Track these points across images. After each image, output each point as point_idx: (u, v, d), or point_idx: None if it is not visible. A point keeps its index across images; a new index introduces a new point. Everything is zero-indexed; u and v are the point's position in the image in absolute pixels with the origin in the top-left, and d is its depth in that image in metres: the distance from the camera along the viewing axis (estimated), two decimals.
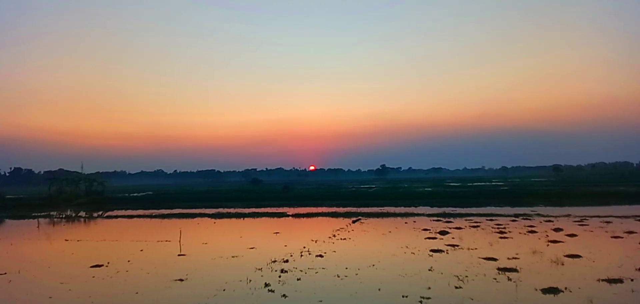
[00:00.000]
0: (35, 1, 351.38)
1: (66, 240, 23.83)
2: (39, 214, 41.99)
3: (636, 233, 20.92)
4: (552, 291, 11.05)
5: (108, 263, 16.37)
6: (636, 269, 13.10)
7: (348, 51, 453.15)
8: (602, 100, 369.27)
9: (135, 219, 36.09)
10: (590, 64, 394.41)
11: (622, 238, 19.69)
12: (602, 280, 11.99)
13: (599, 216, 28.16)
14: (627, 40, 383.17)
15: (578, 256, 15.40)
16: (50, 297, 11.87)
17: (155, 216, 37.37)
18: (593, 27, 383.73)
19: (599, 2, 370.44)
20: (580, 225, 24.38)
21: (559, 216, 28.91)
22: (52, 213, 43.12)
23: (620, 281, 11.87)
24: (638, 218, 26.74)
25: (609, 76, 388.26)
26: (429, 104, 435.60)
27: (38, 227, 31.39)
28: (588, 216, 28.35)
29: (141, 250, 19.50)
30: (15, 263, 17.09)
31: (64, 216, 41.13)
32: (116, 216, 38.47)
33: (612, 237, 19.97)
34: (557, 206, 36.65)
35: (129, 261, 16.81)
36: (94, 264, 16.15)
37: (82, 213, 43.64)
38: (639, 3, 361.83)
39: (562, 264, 14.19)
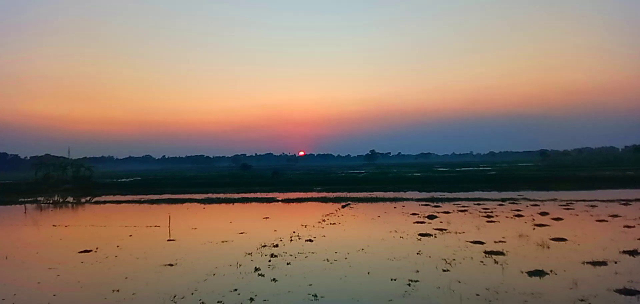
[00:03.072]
0: None
1: (54, 226, 23.64)
2: (25, 199, 41.58)
3: (620, 216, 21.29)
4: (538, 273, 11.24)
5: (97, 248, 16.30)
6: (620, 252, 13.36)
7: (338, 36, 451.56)
8: (589, 86, 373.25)
9: (123, 204, 35.88)
10: (578, 50, 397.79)
11: (607, 221, 20.03)
12: (587, 263, 12.22)
13: (584, 200, 28.60)
14: (615, 27, 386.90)
15: (563, 239, 15.65)
16: (38, 282, 11.81)
17: (144, 202, 37.18)
18: (581, 14, 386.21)
19: None
20: (565, 209, 24.75)
21: (545, 200, 29.30)
22: (39, 199, 42.70)
23: (604, 263, 12.10)
24: (623, 202, 27.20)
25: (596, 62, 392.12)
26: (418, 89, 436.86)
27: (25, 212, 31.07)
28: (574, 200, 28.77)
29: (130, 235, 19.43)
30: (3, 248, 16.95)
31: (51, 201, 40.76)
32: (104, 202, 38.21)
33: (597, 220, 20.31)
34: (544, 191, 37.13)
35: (117, 246, 16.75)
36: (83, 249, 16.07)
37: (70, 199, 43.27)
38: None
39: (548, 248, 14.42)
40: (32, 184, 57.29)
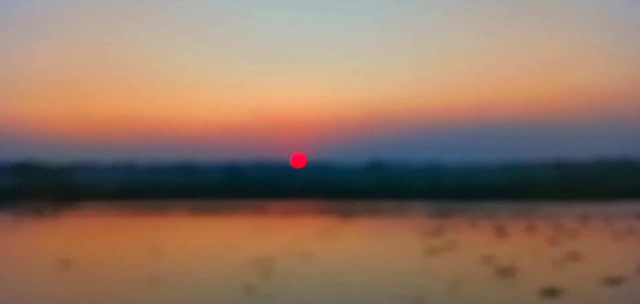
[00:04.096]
0: None
1: (32, 236, 23.50)
2: (3, 206, 41.37)
3: (639, 231, 21.20)
4: (552, 292, 11.12)
5: (77, 261, 16.15)
6: (638, 269, 13.26)
7: (338, 35, 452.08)
8: (606, 93, 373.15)
9: (107, 213, 35.73)
10: (596, 52, 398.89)
11: (625, 236, 19.94)
12: (603, 280, 12.12)
13: (600, 214, 28.52)
14: (634, 30, 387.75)
15: (579, 256, 15.55)
16: (13, 296, 11.67)
17: (129, 211, 37.05)
18: (599, 12, 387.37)
19: None
20: (581, 222, 24.67)
21: (559, 213, 29.23)
22: (18, 206, 42.50)
23: (621, 281, 12.00)
24: None
25: (615, 65, 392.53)
26: (426, 93, 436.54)
27: (2, 221, 30.92)
28: (589, 213, 28.70)
29: (114, 246, 19.29)
30: None
31: (31, 209, 40.58)
32: (87, 211, 38.05)
33: (614, 235, 20.22)
34: (558, 203, 37.04)
35: (100, 257, 16.61)
36: (63, 259, 15.92)
37: (51, 206, 43.10)
38: None
39: (562, 264, 14.31)
40: (12, 191, 57.04)
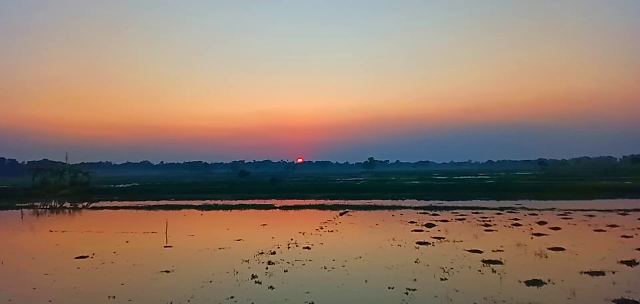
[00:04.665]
0: None
1: (50, 231, 23.57)
2: (22, 204, 41.41)
3: (618, 226, 21.28)
4: (536, 283, 11.21)
5: (93, 254, 16.23)
6: (618, 262, 13.34)
7: (337, 44, 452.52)
8: (587, 95, 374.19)
9: (120, 210, 35.78)
10: (576, 59, 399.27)
11: (605, 231, 20.02)
12: (585, 272, 12.20)
13: (582, 210, 28.59)
14: (613, 36, 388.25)
15: (561, 249, 15.63)
16: (34, 288, 11.74)
17: (141, 208, 37.09)
18: (579, 23, 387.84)
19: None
20: (564, 218, 24.75)
21: (543, 210, 29.30)
22: (36, 204, 42.57)
23: (602, 273, 12.09)
24: (621, 212, 27.20)
25: (594, 71, 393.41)
26: (417, 97, 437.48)
27: (21, 217, 30.97)
28: (572, 210, 28.77)
29: (127, 241, 19.36)
30: None
31: (48, 206, 40.63)
32: (101, 208, 38.09)
33: (595, 230, 20.30)
34: (542, 200, 37.12)
35: (114, 252, 16.69)
36: (79, 255, 16.00)
37: (67, 204, 43.15)
38: (625, 1, 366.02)
39: (546, 257, 14.40)
40: (29, 189, 57.07)
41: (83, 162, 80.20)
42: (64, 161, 70.51)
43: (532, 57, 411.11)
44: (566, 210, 28.72)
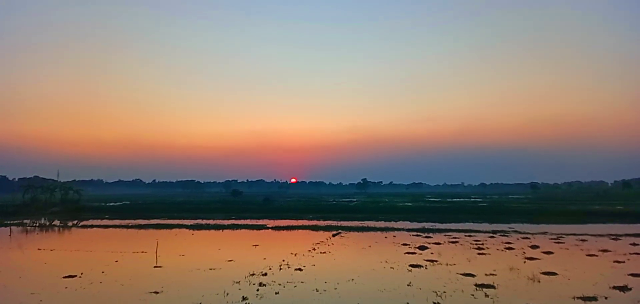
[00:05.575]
0: (13, 9, 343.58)
1: (39, 249, 23.23)
2: (11, 222, 40.84)
3: (611, 251, 21.31)
4: None
5: (81, 273, 15.98)
6: (610, 288, 13.31)
7: (331, 64, 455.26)
8: (579, 120, 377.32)
9: (111, 229, 35.37)
10: (568, 83, 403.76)
11: (597, 256, 20.03)
12: (578, 298, 12.15)
13: (574, 234, 28.63)
14: (605, 61, 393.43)
15: (554, 274, 15.59)
16: None
17: (132, 227, 36.68)
18: (571, 47, 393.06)
19: (577, 23, 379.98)
20: (556, 243, 24.75)
21: (535, 233, 29.31)
22: (25, 221, 42.00)
23: (594, 299, 12.04)
24: (612, 237, 27.25)
25: (586, 96, 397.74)
26: (410, 120, 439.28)
27: (10, 235, 30.52)
28: (564, 234, 28.80)
29: (116, 261, 19.10)
30: None
31: (37, 224, 40.10)
32: (91, 226, 37.64)
33: (587, 255, 20.30)
34: (534, 224, 37.16)
35: (103, 272, 16.44)
36: (67, 274, 15.74)
37: (57, 222, 42.61)
38: (617, 24, 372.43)
39: (539, 281, 14.34)
40: (19, 207, 56.34)
41: (74, 180, 79.61)
42: (56, 178, 69.83)
43: (524, 81, 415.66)
44: (558, 234, 28.74)
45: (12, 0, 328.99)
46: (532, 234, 29.10)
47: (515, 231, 30.80)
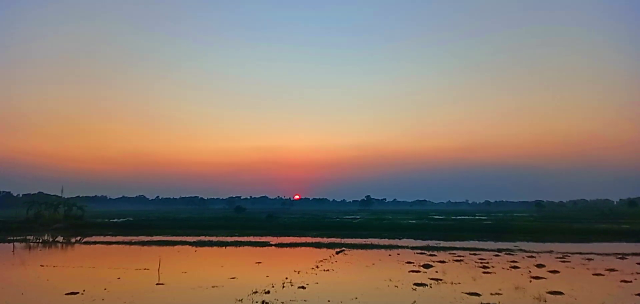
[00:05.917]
0: (16, 25, 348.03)
1: (42, 266, 23.17)
2: (14, 238, 40.87)
3: (617, 270, 21.07)
4: None
5: (84, 290, 15.91)
6: None
7: (335, 80, 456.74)
8: (584, 137, 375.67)
9: (113, 245, 35.31)
10: (573, 101, 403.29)
11: (604, 275, 19.81)
12: None
13: (580, 253, 28.35)
14: (611, 78, 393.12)
15: (560, 293, 15.41)
16: None
17: (135, 243, 36.61)
18: (576, 65, 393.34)
19: (582, 41, 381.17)
20: (562, 261, 24.51)
21: (541, 252, 29.05)
22: (28, 237, 42.01)
23: None
24: (619, 256, 26.98)
25: (591, 113, 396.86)
26: (414, 136, 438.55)
27: (13, 251, 30.51)
28: (570, 253, 28.53)
29: (118, 278, 19.02)
30: None
31: (40, 240, 40.10)
32: (94, 242, 37.60)
33: (593, 274, 20.08)
34: (540, 242, 36.86)
35: (105, 289, 16.36)
36: (69, 291, 15.68)
37: (60, 238, 42.60)
38: (622, 42, 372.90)
39: (545, 301, 14.17)
40: (22, 223, 56.46)
41: (78, 196, 79.90)
42: (60, 194, 70.04)
43: (529, 98, 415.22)
44: (564, 253, 28.47)
45: (17, 15, 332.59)
46: (538, 252, 28.86)
47: (521, 250, 30.55)
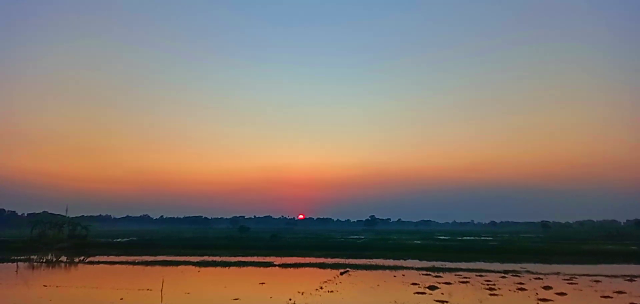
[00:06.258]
0: (21, 42, 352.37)
1: (44, 286, 23.07)
2: (18, 257, 40.82)
3: (626, 292, 20.76)
4: None
5: None
6: None
7: (340, 101, 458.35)
8: (590, 157, 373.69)
9: (117, 265, 35.19)
10: (580, 121, 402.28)
11: (612, 298, 19.50)
12: None
13: (588, 275, 27.99)
14: (618, 98, 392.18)
15: None
16: None
17: (138, 263, 36.46)
18: (583, 84, 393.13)
19: (589, 61, 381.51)
20: (569, 283, 24.18)
21: (548, 274, 28.70)
22: (32, 257, 41.95)
23: None
24: (627, 278, 26.61)
25: (598, 134, 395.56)
26: (419, 156, 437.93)
27: (16, 271, 30.44)
28: (577, 275, 28.17)
29: (121, 298, 18.89)
30: None
31: (44, 260, 40.02)
32: (98, 262, 37.48)
33: (602, 297, 19.77)
34: (546, 263, 36.44)
35: None
36: None
37: (63, 258, 42.51)
38: (629, 62, 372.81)
39: None
40: (26, 242, 56.46)
41: (83, 215, 79.94)
42: (64, 214, 70.08)
43: (535, 117, 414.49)
44: (572, 275, 28.11)
45: (22, 34, 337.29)
46: (545, 274, 28.50)
47: (527, 271, 30.19)
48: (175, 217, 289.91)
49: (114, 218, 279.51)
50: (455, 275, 27.71)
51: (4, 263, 36.48)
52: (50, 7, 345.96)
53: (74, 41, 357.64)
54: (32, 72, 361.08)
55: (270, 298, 18.80)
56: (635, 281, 25.50)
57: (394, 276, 27.28)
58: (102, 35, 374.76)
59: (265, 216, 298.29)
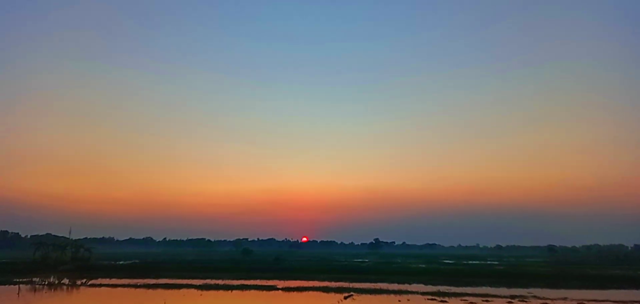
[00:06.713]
0: (24, 63, 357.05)
1: None
2: (20, 280, 40.64)
3: None
4: None
5: None
6: None
7: (344, 122, 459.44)
8: (597, 181, 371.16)
9: (119, 288, 34.92)
10: (587, 145, 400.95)
11: None
12: None
13: (595, 300, 27.57)
14: (626, 121, 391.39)
15: None
16: None
17: (140, 286, 36.19)
18: (591, 108, 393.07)
19: (595, 84, 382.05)
20: None
21: (555, 299, 28.27)
22: (34, 279, 41.75)
23: None
24: (636, 303, 26.17)
25: (605, 157, 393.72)
26: (424, 179, 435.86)
27: (18, 294, 30.27)
28: (585, 300, 27.75)
29: None
30: None
31: (46, 282, 39.80)
32: (100, 285, 37.25)
33: None
34: (553, 288, 35.94)
35: None
36: None
37: (66, 281, 42.28)
38: (635, 84, 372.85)
39: None
40: (29, 264, 56.26)
41: (86, 237, 79.77)
42: (68, 236, 69.98)
43: (541, 141, 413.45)
44: (579, 300, 27.69)
45: (25, 55, 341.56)
46: (552, 299, 28.09)
47: (534, 296, 29.76)
48: (178, 239, 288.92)
49: (117, 240, 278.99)
50: (461, 300, 27.35)
51: (7, 286, 36.30)
52: (55, 26, 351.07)
53: (78, 62, 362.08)
54: (36, 94, 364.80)
55: None
56: None
57: (399, 301, 26.95)
58: (107, 57, 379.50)
59: (268, 239, 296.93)
